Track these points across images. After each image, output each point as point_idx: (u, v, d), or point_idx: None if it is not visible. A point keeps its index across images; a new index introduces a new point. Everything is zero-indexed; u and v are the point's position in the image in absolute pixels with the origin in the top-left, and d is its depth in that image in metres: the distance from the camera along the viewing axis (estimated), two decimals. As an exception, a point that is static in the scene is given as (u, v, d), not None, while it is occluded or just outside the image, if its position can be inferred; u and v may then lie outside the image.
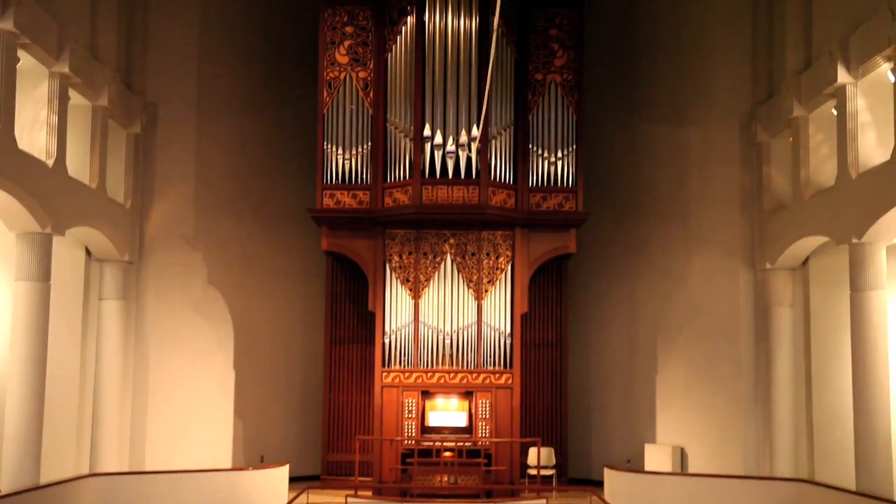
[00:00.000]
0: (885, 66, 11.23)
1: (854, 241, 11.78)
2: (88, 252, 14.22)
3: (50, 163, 11.99)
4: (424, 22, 14.42)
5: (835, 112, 12.49)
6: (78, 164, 13.14)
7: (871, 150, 11.90)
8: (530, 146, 14.81)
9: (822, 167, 13.29)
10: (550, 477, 14.73)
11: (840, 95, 12.22)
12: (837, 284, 13.24)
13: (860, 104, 12.00)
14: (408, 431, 14.50)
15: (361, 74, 14.93)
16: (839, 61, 11.96)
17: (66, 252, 13.52)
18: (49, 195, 11.80)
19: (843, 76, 11.97)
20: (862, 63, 11.56)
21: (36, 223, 11.63)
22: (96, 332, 14.38)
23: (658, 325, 16.06)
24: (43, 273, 11.87)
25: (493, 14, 14.18)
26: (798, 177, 13.57)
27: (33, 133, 12.02)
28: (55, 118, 12.11)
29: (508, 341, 14.62)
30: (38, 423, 11.71)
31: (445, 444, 14.16)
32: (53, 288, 12.09)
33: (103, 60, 13.65)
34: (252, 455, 15.84)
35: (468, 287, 14.74)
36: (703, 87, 15.73)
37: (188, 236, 15.55)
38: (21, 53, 11.19)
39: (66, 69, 12.13)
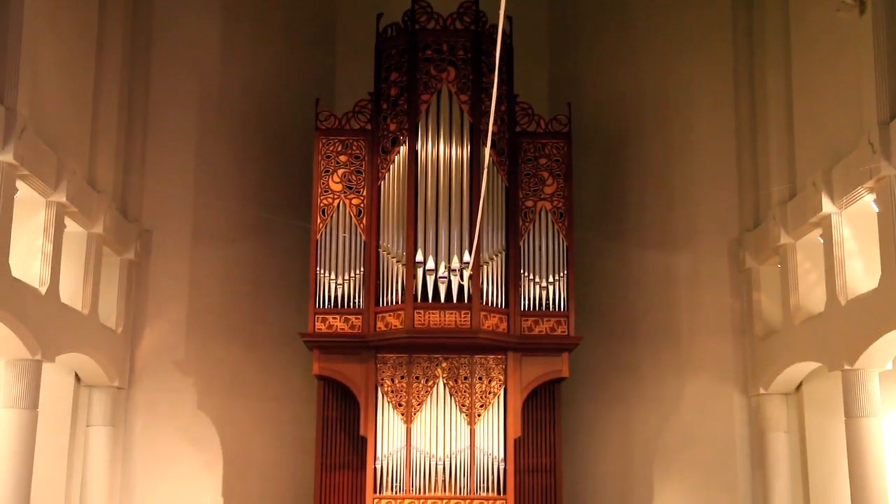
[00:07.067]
0: (869, 197, 11.47)
1: (846, 367, 11.79)
2: (78, 378, 14.13)
3: (43, 290, 12.02)
4: (417, 151, 14.75)
5: (821, 240, 12.69)
6: (71, 291, 13.17)
7: (858, 278, 12.04)
8: (522, 271, 14.92)
9: (812, 293, 13.41)
10: None
11: (825, 224, 12.43)
12: (832, 410, 13.14)
13: (846, 233, 12.21)
14: (400, 560, 14.18)
15: (355, 201, 15.15)
16: (823, 192, 12.21)
17: (55, 378, 13.38)
18: (41, 322, 11.79)
19: (827, 206, 12.21)
20: (845, 194, 11.80)
21: (26, 350, 11.57)
22: (83, 459, 14.13)
23: (653, 451, 15.85)
24: (31, 401, 11.75)
25: (485, 144, 14.53)
26: (788, 303, 13.67)
27: (28, 261, 12.08)
28: (50, 246, 12.19)
29: (502, 466, 14.39)
30: (20, 553, 11.42)
31: (438, 573, 13.82)
32: (41, 414, 11.93)
33: (100, 189, 13.87)
34: (240, 585, 15.41)
35: (461, 411, 14.60)
36: (690, 215, 15.99)
37: (179, 361, 15.46)
38: (19, 184, 11.36)
39: (63, 199, 12.29)
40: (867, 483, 11.55)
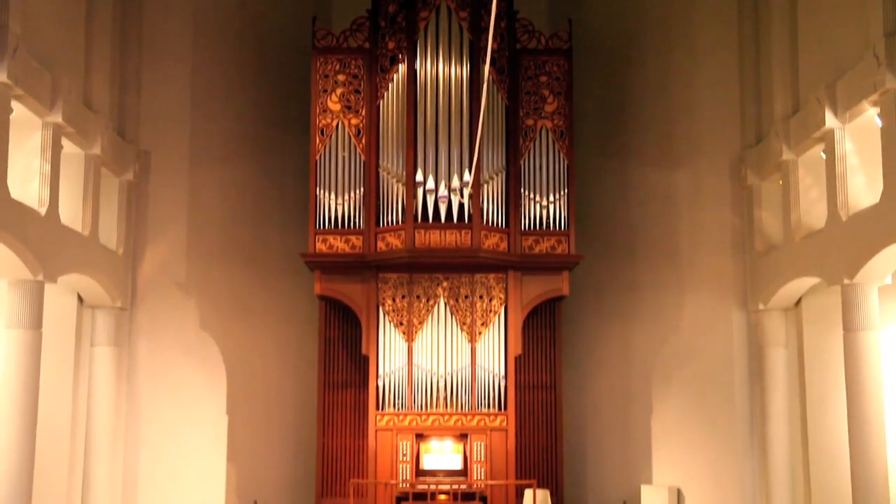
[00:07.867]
0: (872, 111, 11.35)
1: (846, 282, 11.83)
2: (80, 299, 14.20)
3: (42, 211, 12.00)
4: (416, 70, 14.57)
5: (823, 155, 12.62)
6: (71, 212, 13.15)
7: (860, 193, 11.99)
8: (522, 190, 14.90)
9: (813, 209, 13.37)
10: (546, 520, 14.63)
11: (828, 139, 12.33)
12: (830, 324, 13.26)
13: (848, 147, 12.11)
14: (402, 475, 14.41)
15: (353, 121, 15.03)
16: (826, 106, 12.07)
17: (58, 299, 13.47)
18: (41, 243, 11.80)
19: (830, 121, 12.09)
20: (849, 108, 11.67)
21: (28, 271, 11.62)
22: (88, 379, 14.30)
23: (652, 367, 16.04)
24: (34, 321, 11.84)
25: (484, 62, 14.34)
26: (789, 219, 13.66)
27: (26, 182, 12.02)
28: (48, 167, 12.13)
29: (503, 383, 14.60)
30: (28, 471, 11.59)
31: (440, 487, 14.08)
32: (45, 335, 12.03)
33: (97, 110, 13.73)
34: (245, 500, 15.67)
35: (462, 329, 14.74)
36: (692, 132, 15.89)
37: (180, 282, 15.49)
38: (14, 104, 11.25)
39: (59, 119, 12.17)
40: (864, 396, 11.69)
